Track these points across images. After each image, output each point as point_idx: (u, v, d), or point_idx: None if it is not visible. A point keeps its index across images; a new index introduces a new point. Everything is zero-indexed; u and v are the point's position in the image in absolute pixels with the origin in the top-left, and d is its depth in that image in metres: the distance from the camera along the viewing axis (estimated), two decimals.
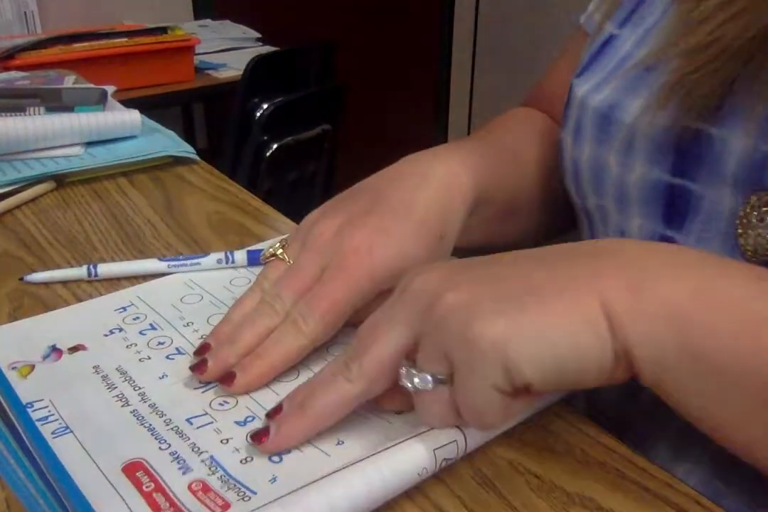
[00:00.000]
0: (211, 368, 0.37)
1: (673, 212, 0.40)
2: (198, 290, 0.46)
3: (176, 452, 0.32)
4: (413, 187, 0.42)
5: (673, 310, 0.29)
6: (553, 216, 0.54)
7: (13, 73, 0.98)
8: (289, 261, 0.41)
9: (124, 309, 0.44)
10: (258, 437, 0.32)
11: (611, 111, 0.42)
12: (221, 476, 0.31)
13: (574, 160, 0.46)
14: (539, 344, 0.29)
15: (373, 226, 0.40)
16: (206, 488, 0.30)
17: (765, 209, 0.36)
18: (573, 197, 0.48)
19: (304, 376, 0.38)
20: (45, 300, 0.45)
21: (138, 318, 0.43)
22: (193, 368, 0.37)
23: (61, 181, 0.62)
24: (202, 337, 0.41)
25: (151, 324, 0.42)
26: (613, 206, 0.44)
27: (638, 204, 0.42)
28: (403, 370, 0.31)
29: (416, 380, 0.31)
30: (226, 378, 0.36)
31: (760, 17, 0.34)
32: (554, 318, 0.29)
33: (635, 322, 0.29)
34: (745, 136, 0.35)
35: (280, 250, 0.42)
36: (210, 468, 0.31)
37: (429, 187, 0.42)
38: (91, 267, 0.47)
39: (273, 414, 0.34)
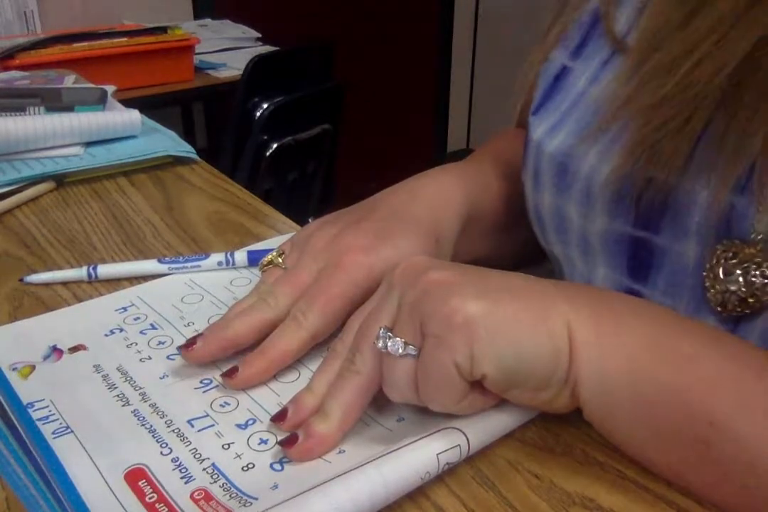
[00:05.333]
0: (198, 348, 0.37)
1: (638, 265, 0.40)
2: (198, 290, 0.46)
3: (178, 458, 0.32)
4: (405, 200, 0.43)
5: (628, 360, 0.30)
6: (521, 239, 0.54)
7: (13, 73, 0.98)
8: (285, 268, 0.41)
9: (125, 309, 0.44)
10: (288, 443, 0.32)
11: (567, 159, 0.41)
12: (223, 484, 0.31)
13: (536, 207, 0.45)
14: (505, 339, 0.30)
15: (368, 229, 0.40)
16: (208, 497, 0.30)
17: (732, 261, 0.35)
18: (540, 241, 0.48)
19: (305, 377, 0.37)
20: (45, 300, 0.45)
21: (138, 318, 0.43)
22: (182, 346, 0.38)
23: (60, 181, 0.62)
24: None
25: (151, 324, 0.42)
26: (578, 255, 0.44)
27: (602, 255, 0.41)
28: (381, 332, 0.32)
29: (389, 343, 0.31)
30: (229, 372, 0.36)
31: (725, 62, 0.33)
32: (523, 324, 0.31)
33: (590, 361, 0.31)
34: (710, 186, 0.35)
35: (278, 258, 0.42)
36: (212, 477, 0.31)
37: (421, 199, 0.43)
38: (91, 269, 0.47)
39: (278, 419, 0.34)
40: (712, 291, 0.36)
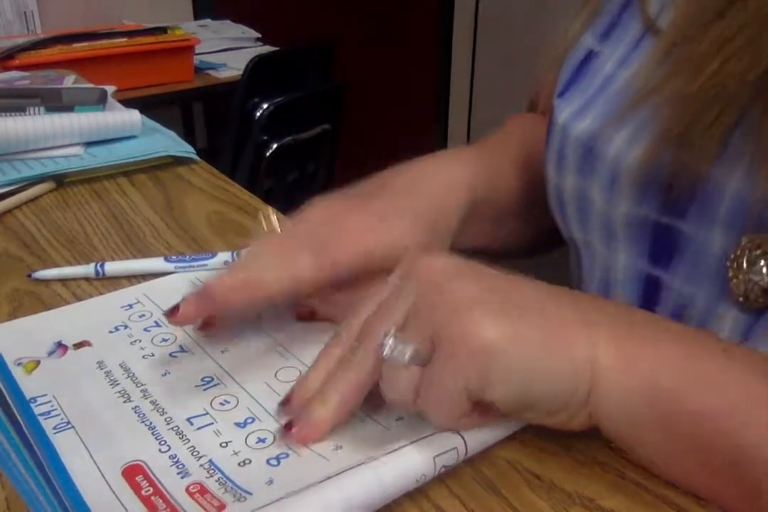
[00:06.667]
0: (183, 309, 0.36)
1: (660, 251, 0.39)
2: None
3: (176, 455, 0.32)
4: (406, 185, 0.42)
5: (651, 386, 0.30)
6: (552, 222, 0.53)
7: (13, 73, 0.98)
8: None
9: (130, 306, 0.44)
10: (287, 427, 0.33)
11: (593, 143, 0.40)
12: (219, 478, 0.31)
13: (557, 190, 0.45)
14: (522, 368, 0.29)
15: (367, 210, 0.40)
16: (203, 490, 0.30)
17: (757, 252, 0.35)
18: (560, 226, 0.47)
19: None
20: (45, 299, 0.45)
21: (143, 315, 0.43)
22: (167, 312, 0.37)
23: (61, 181, 0.62)
24: (206, 335, 0.41)
25: (156, 322, 0.42)
26: (599, 241, 0.43)
27: (624, 240, 0.41)
28: (387, 338, 0.31)
29: (396, 349, 0.30)
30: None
31: (756, 63, 0.32)
32: (543, 352, 0.30)
33: (611, 387, 0.30)
34: (742, 176, 0.34)
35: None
36: (208, 472, 0.31)
37: (423, 184, 0.42)
38: (98, 266, 0.47)
39: (285, 403, 0.34)
40: (735, 281, 0.35)
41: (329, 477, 0.29)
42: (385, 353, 0.31)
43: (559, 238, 0.54)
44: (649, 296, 0.41)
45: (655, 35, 0.39)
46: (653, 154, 0.36)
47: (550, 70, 0.56)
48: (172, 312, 0.37)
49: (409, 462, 0.30)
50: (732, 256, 0.35)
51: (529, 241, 0.53)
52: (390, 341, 0.31)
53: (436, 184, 0.42)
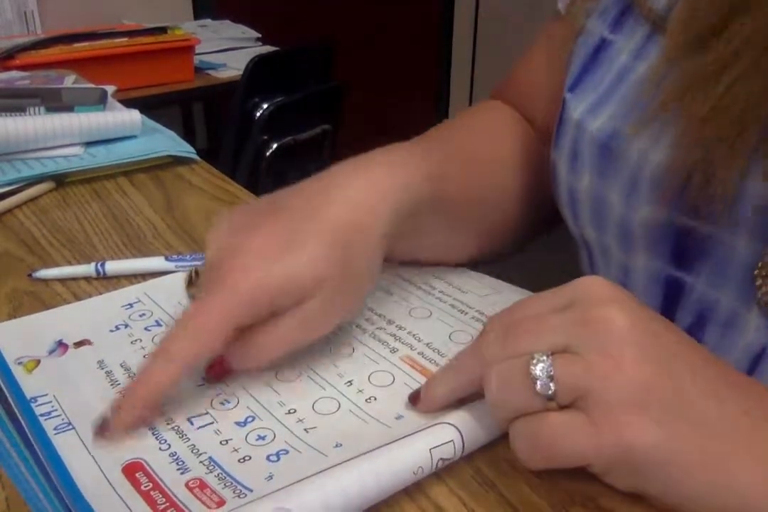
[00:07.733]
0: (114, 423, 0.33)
1: (683, 253, 0.38)
2: None
3: (176, 453, 0.32)
4: (317, 198, 0.37)
5: None
6: (520, 220, 0.50)
7: (13, 73, 0.98)
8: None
9: (131, 305, 0.44)
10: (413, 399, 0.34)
11: (613, 141, 0.38)
12: (218, 474, 0.31)
13: (570, 188, 0.42)
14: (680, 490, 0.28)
15: (265, 235, 0.36)
16: (203, 485, 0.30)
17: None
18: (570, 225, 0.45)
19: (306, 377, 0.37)
20: (45, 299, 0.45)
21: (144, 314, 0.43)
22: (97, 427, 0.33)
23: (60, 180, 0.62)
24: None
25: (156, 321, 0.42)
26: (615, 242, 0.41)
27: (644, 243, 0.39)
28: (547, 358, 0.28)
29: (545, 380, 0.28)
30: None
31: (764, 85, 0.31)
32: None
33: None
34: (765, 179, 0.33)
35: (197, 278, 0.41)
36: (208, 468, 0.31)
37: (338, 195, 0.37)
38: (99, 266, 0.47)
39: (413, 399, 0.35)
40: (764, 289, 0.34)
41: (325, 470, 0.29)
42: (536, 373, 0.28)
43: (526, 238, 0.50)
44: (671, 299, 0.40)
45: (662, 32, 0.37)
46: (675, 164, 0.35)
47: (532, 54, 0.54)
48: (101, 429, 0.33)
49: (404, 454, 0.30)
50: (760, 265, 0.34)
51: (522, 232, 0.50)
52: (544, 367, 0.28)
53: (353, 196, 0.37)
